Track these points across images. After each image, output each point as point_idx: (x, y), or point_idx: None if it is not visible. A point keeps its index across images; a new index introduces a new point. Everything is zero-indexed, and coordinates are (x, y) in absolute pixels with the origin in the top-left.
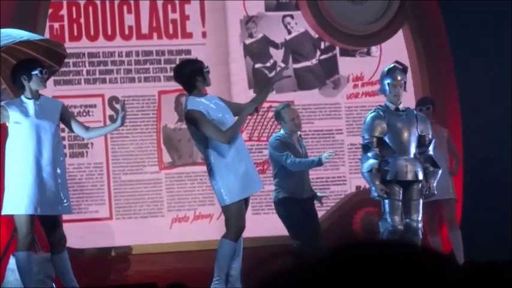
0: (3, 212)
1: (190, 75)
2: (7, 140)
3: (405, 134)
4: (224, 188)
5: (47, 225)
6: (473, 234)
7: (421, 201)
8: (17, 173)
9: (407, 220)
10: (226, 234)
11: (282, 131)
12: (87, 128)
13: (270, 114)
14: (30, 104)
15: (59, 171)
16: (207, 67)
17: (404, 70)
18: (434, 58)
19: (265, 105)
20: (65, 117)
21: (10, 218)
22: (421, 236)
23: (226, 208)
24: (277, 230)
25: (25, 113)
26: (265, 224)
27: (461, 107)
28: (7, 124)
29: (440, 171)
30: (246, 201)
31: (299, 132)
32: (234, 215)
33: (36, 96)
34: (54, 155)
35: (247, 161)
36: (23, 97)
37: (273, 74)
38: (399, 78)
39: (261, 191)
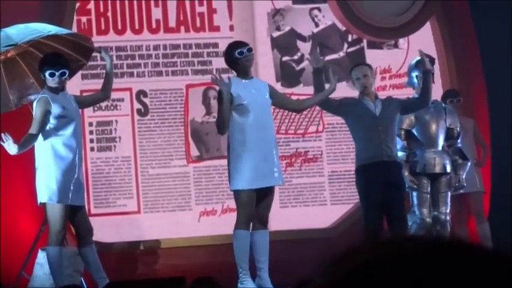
0: (43, 200)
1: (231, 57)
2: (45, 132)
3: (433, 127)
4: (235, 172)
5: (77, 217)
6: (502, 226)
7: (449, 193)
8: (55, 164)
9: (436, 213)
10: (236, 225)
11: None
12: (100, 91)
13: None
14: (64, 98)
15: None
16: (248, 50)
17: (431, 62)
18: (462, 49)
19: (293, 98)
20: (82, 101)
21: (38, 211)
22: (449, 229)
23: (236, 194)
24: (305, 223)
25: (65, 106)
26: (292, 217)
27: (489, 98)
28: (39, 115)
29: (469, 164)
30: (267, 193)
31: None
32: (242, 203)
33: (61, 90)
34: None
35: (264, 155)
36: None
37: (301, 66)
38: None
39: (289, 184)
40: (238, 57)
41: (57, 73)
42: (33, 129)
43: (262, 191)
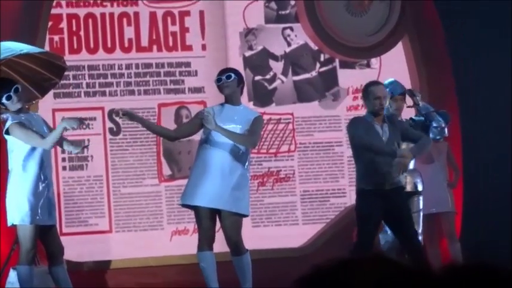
0: (15, 222)
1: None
2: (15, 152)
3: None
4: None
5: (48, 236)
6: (473, 246)
7: (421, 213)
8: (26, 185)
9: None
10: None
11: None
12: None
13: (270, 126)
14: (31, 118)
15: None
16: (227, 78)
17: (412, 93)
18: (434, 69)
19: (265, 117)
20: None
21: (10, 230)
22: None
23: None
24: (277, 242)
25: (34, 125)
26: (264, 236)
27: (461, 118)
28: (27, 132)
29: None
30: (221, 217)
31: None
32: (196, 220)
33: (25, 110)
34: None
35: (207, 175)
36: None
37: (273, 86)
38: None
39: (261, 203)
40: (217, 84)
41: (12, 93)
42: (38, 144)
43: (219, 216)
